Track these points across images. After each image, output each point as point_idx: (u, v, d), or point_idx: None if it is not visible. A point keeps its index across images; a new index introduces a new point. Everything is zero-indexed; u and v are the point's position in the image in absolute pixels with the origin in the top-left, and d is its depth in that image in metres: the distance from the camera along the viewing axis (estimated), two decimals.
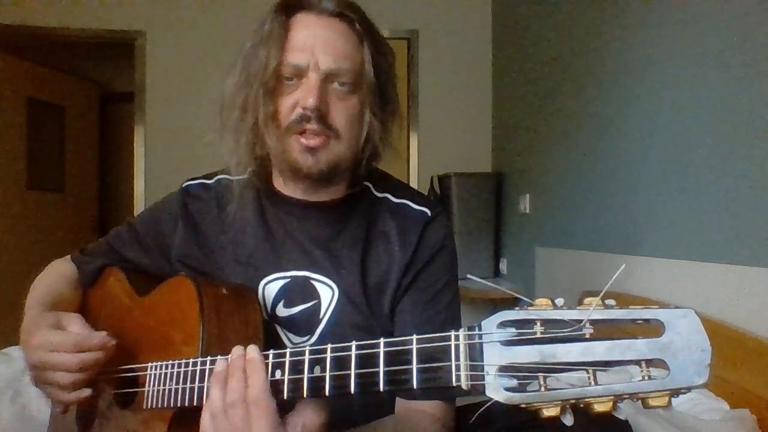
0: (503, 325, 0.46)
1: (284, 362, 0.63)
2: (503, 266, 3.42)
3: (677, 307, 0.41)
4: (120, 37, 3.71)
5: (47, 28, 3.61)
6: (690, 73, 1.68)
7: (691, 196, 1.66)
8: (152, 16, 3.67)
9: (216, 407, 0.64)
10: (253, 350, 0.65)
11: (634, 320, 0.42)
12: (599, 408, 0.41)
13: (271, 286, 0.91)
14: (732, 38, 1.50)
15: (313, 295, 0.90)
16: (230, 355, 0.66)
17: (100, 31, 3.67)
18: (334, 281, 0.90)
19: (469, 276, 0.75)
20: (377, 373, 0.56)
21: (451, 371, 0.50)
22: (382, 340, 0.56)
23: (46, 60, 4.28)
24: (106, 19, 3.65)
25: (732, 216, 1.49)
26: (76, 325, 0.82)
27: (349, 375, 0.58)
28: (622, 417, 0.41)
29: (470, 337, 0.49)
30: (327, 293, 0.90)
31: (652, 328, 0.41)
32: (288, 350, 0.64)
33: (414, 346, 0.54)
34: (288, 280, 0.91)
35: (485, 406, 0.45)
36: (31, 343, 0.82)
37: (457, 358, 0.50)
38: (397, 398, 0.88)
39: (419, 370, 0.53)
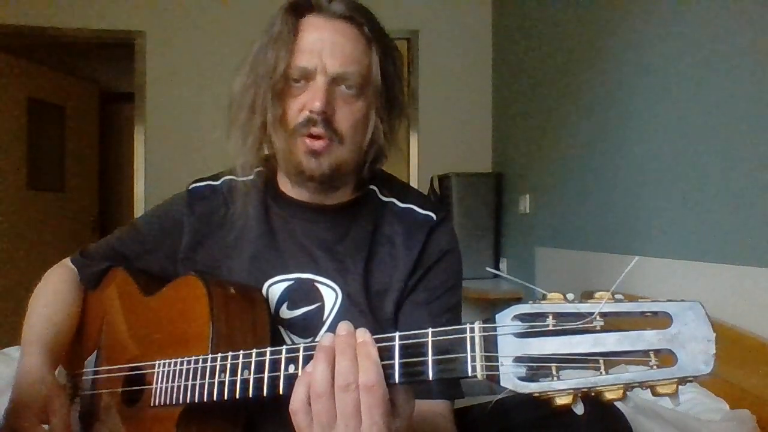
0: (517, 318, 0.47)
1: (298, 357, 0.64)
2: (503, 266, 3.42)
3: (684, 300, 0.42)
4: (120, 37, 3.71)
5: (47, 28, 3.61)
6: (691, 72, 1.69)
7: (691, 197, 1.67)
8: (152, 16, 3.67)
9: (322, 387, 0.58)
10: (364, 333, 0.60)
11: (642, 312, 0.44)
12: (610, 396, 0.43)
13: (275, 288, 0.91)
14: (734, 39, 1.51)
15: (317, 297, 0.90)
16: (338, 331, 0.61)
17: (100, 31, 3.67)
18: (338, 284, 0.90)
19: (487, 269, 0.76)
20: (392, 365, 0.57)
21: (466, 362, 0.51)
22: (397, 333, 0.57)
23: (46, 60, 4.28)
24: (106, 19, 3.65)
25: (733, 216, 1.50)
26: (57, 417, 0.84)
27: None
28: (629, 405, 0.42)
29: (485, 329, 0.50)
30: (331, 296, 0.90)
31: (660, 320, 0.43)
32: (302, 345, 0.64)
33: (429, 339, 0.54)
34: (292, 282, 0.91)
35: (500, 395, 0.47)
36: (14, 410, 0.84)
37: (473, 350, 0.51)
38: None
39: (435, 362, 0.53)
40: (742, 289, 1.42)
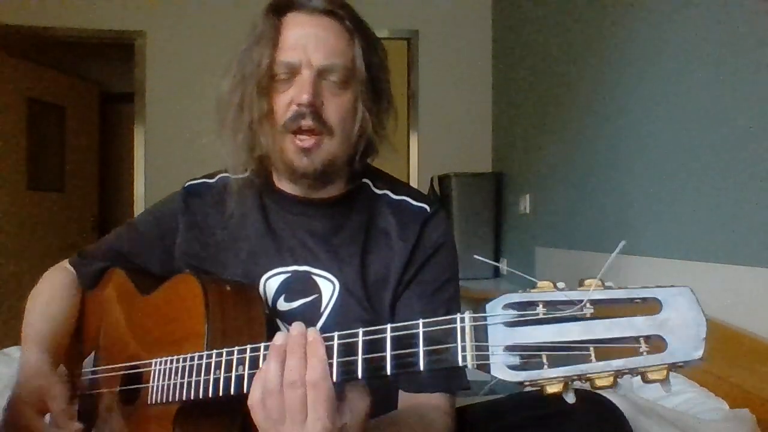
0: (507, 307, 0.47)
1: None
2: (503, 266, 3.42)
3: (673, 286, 0.42)
4: (120, 37, 3.72)
5: (47, 28, 3.62)
6: (689, 73, 1.69)
7: (690, 196, 1.67)
8: (152, 16, 3.68)
9: (273, 384, 0.61)
10: (314, 332, 0.63)
11: (632, 299, 0.44)
12: (600, 383, 0.43)
13: (272, 281, 0.92)
14: (730, 38, 1.51)
15: (314, 289, 0.91)
16: (291, 331, 0.64)
17: (100, 31, 3.68)
18: (335, 276, 0.91)
19: (475, 256, 0.76)
20: (384, 357, 0.57)
21: (457, 352, 0.51)
22: (388, 326, 0.57)
23: (46, 60, 4.28)
24: (106, 19, 3.66)
25: (732, 216, 1.49)
26: (56, 405, 0.85)
27: (356, 360, 0.59)
28: (619, 392, 0.42)
29: (475, 319, 0.50)
30: (328, 287, 0.91)
31: (650, 307, 0.43)
32: None
33: (420, 330, 0.54)
34: (289, 274, 0.92)
35: (491, 383, 0.46)
36: (13, 404, 0.85)
37: (463, 340, 0.51)
38: (401, 392, 0.89)
39: (426, 353, 0.53)
40: (743, 289, 1.42)
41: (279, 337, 0.64)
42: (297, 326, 0.64)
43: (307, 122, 0.84)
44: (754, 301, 1.37)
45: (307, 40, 0.85)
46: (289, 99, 0.85)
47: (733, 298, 1.43)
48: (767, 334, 1.31)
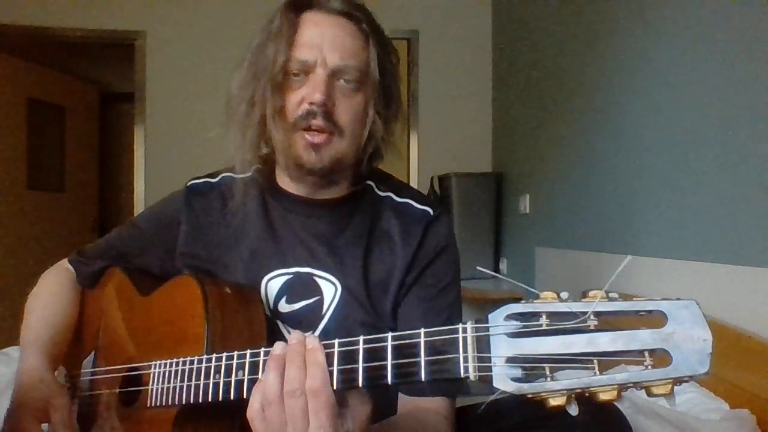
0: (510, 317, 0.47)
1: None
2: (503, 266, 3.42)
3: (679, 299, 0.42)
4: (120, 37, 3.71)
5: (47, 28, 3.62)
6: (690, 73, 1.69)
7: (690, 197, 1.67)
8: (152, 16, 3.68)
9: (272, 393, 0.61)
10: (313, 339, 0.62)
11: (637, 312, 0.43)
12: (604, 397, 0.42)
13: (273, 283, 0.91)
14: (731, 38, 1.51)
15: (316, 291, 0.90)
16: (289, 340, 0.63)
17: (100, 31, 3.67)
18: (336, 278, 0.91)
19: (478, 268, 0.76)
20: (385, 366, 0.56)
21: (459, 363, 0.51)
22: (390, 334, 0.57)
23: (46, 60, 4.28)
24: (106, 19, 3.65)
25: (732, 216, 1.49)
26: (58, 415, 0.84)
27: (357, 368, 0.58)
28: (625, 404, 0.42)
29: (477, 329, 0.49)
30: (330, 289, 0.90)
31: (655, 320, 0.42)
32: None
33: (422, 339, 0.54)
34: (291, 276, 0.91)
35: (492, 397, 0.46)
36: (14, 411, 0.85)
37: (465, 350, 0.50)
38: (401, 396, 0.89)
39: (427, 363, 0.53)
40: (743, 289, 1.42)
41: (278, 347, 0.63)
42: (296, 335, 0.63)
43: (317, 122, 0.84)
44: (754, 301, 1.37)
45: (323, 40, 0.85)
46: (301, 97, 0.85)
47: (733, 298, 1.43)
48: (767, 334, 1.31)
